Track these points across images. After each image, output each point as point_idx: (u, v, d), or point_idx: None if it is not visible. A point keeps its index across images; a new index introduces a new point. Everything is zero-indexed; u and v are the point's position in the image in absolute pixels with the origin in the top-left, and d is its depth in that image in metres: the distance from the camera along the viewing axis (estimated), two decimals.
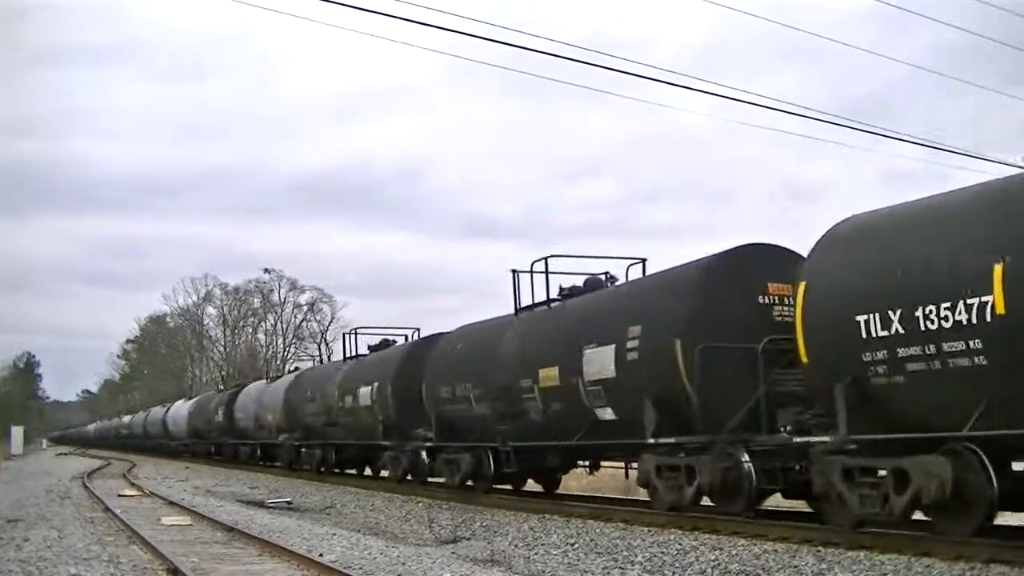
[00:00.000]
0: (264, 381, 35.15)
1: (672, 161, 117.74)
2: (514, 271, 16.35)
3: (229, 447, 38.32)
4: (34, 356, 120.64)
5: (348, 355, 25.59)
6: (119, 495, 20.38)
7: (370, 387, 21.52)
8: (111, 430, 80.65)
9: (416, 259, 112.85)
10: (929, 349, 8.58)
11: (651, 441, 12.19)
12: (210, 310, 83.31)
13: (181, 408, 49.68)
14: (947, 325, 8.36)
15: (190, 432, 45.32)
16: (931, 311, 8.50)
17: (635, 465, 13.66)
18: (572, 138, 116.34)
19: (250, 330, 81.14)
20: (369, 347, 24.60)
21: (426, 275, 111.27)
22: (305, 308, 76.69)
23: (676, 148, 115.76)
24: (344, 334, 25.68)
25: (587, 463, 16.83)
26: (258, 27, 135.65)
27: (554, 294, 15.91)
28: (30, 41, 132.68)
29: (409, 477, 20.66)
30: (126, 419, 73.80)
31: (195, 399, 49.11)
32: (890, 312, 8.91)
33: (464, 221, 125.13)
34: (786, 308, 11.41)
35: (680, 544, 10.56)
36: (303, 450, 27.78)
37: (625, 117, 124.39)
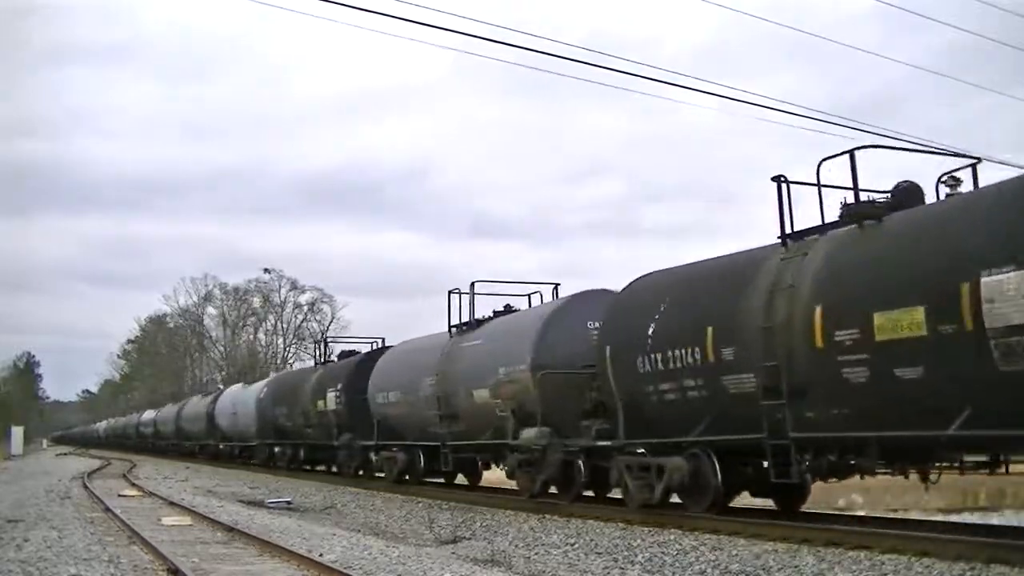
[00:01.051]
0: (449, 335, 18.77)
1: (677, 161, 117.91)
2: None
3: (353, 453, 23.26)
4: (34, 356, 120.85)
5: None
6: (119, 495, 20.37)
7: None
8: (128, 429, 68.56)
9: (419, 259, 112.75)
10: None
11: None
12: (210, 310, 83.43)
13: (244, 395, 35.17)
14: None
15: (264, 430, 31.41)
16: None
17: None
18: (577, 138, 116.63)
19: (251, 330, 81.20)
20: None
21: (430, 275, 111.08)
22: (305, 308, 76.79)
23: (681, 148, 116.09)
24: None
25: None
26: (261, 27, 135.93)
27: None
28: (32, 41, 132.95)
29: None
30: (148, 415, 61.07)
31: (269, 379, 35.26)
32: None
33: (468, 221, 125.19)
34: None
35: (680, 544, 10.57)
36: (570, 460, 14.54)
37: (630, 117, 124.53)
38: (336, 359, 27.19)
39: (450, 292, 18.60)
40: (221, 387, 47.18)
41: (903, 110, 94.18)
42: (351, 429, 23.23)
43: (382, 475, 21.75)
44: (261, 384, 34.36)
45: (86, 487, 23.12)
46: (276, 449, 30.50)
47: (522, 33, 13.17)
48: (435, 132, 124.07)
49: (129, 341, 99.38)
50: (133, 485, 23.84)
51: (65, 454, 64.39)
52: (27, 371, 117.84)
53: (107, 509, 16.29)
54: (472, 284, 18.32)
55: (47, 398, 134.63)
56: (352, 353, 26.39)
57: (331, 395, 24.36)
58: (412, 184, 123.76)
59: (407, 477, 20.62)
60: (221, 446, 38.45)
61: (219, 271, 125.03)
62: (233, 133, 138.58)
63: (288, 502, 18.86)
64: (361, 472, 23.49)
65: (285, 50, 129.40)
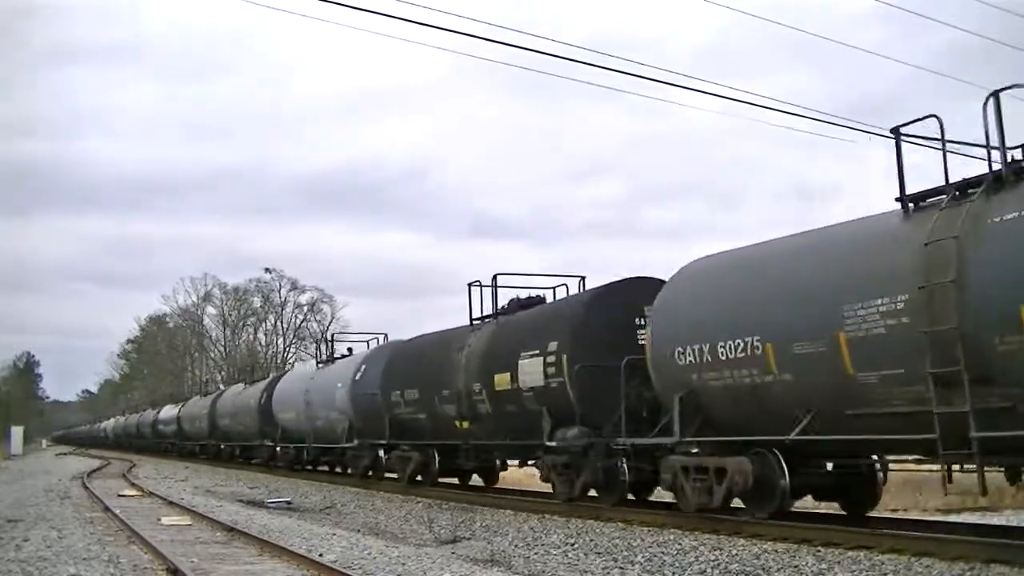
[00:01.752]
0: (904, 212, 9.67)
1: (679, 161, 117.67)
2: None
3: (595, 457, 13.89)
4: (34, 356, 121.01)
5: None
6: (119, 495, 20.38)
7: None
8: (143, 427, 59.03)
9: (420, 259, 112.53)
10: None
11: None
12: (210, 310, 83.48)
13: (322, 379, 25.47)
14: None
15: (365, 426, 22.13)
16: None
17: None
18: (579, 137, 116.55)
19: (250, 330, 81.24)
20: None
21: (431, 275, 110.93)
22: (305, 308, 76.82)
23: (683, 148, 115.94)
24: None
25: None
26: (261, 27, 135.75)
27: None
28: (35, 40, 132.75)
29: None
30: (169, 411, 50.88)
31: (368, 353, 24.10)
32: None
33: (469, 221, 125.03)
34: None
35: (680, 544, 10.57)
36: None
37: (632, 117, 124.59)
38: (502, 309, 17.55)
39: (897, 130, 9.82)
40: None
41: (905, 110, 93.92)
42: (587, 419, 14.06)
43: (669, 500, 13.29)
44: (352, 361, 24.22)
45: (86, 487, 23.13)
46: (389, 454, 21.03)
47: (522, 33, 13.19)
48: (436, 132, 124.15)
49: (129, 341, 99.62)
50: (132, 485, 23.83)
51: (65, 454, 64.41)
52: (27, 371, 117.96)
53: (107, 509, 16.29)
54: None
55: (47, 398, 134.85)
56: (538, 300, 17.37)
57: (531, 363, 14.86)
58: (413, 184, 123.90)
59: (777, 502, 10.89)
60: (279, 448, 29.44)
61: (219, 271, 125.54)
62: (234, 133, 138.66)
63: (288, 502, 18.85)
64: (634, 497, 14.69)
65: (286, 50, 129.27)
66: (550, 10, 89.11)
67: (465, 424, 17.47)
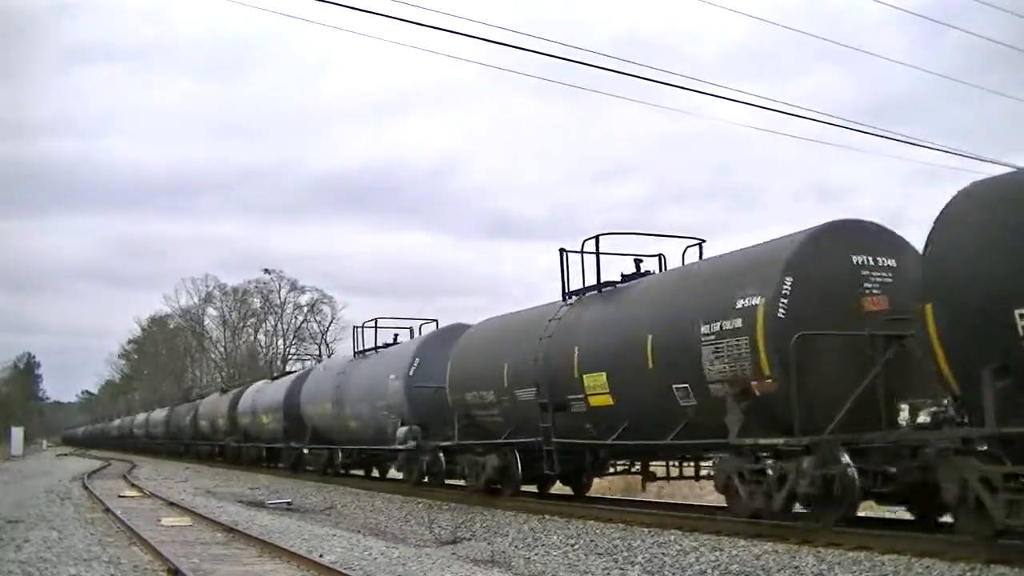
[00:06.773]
0: None
1: (701, 162, 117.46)
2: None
3: None
4: (34, 356, 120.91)
5: None
6: (119, 496, 20.38)
7: None
8: (179, 425, 44.72)
9: (439, 259, 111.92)
10: None
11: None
12: (211, 311, 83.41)
13: None
14: None
15: None
16: None
17: None
18: (602, 138, 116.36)
19: (250, 331, 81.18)
20: None
21: (449, 276, 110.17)
22: (306, 309, 76.80)
23: (707, 149, 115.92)
24: None
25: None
26: (291, 28, 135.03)
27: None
28: (61, 39, 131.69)
29: None
30: (217, 402, 36.08)
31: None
32: None
33: (489, 221, 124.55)
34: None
35: (680, 544, 10.56)
36: None
37: (655, 118, 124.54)
38: None
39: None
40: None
41: (933, 112, 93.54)
42: None
43: None
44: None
45: (86, 488, 23.12)
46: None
47: (548, 41, 13.06)
48: (459, 132, 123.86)
49: (129, 341, 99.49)
50: (133, 486, 23.84)
51: (65, 455, 64.41)
52: (27, 371, 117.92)
53: (107, 510, 16.31)
54: None
55: (47, 398, 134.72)
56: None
57: None
58: (433, 184, 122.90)
59: None
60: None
61: (232, 271, 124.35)
62: (258, 133, 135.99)
63: (288, 503, 18.86)
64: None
65: (313, 51, 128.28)
66: (577, 9, 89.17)
67: None
